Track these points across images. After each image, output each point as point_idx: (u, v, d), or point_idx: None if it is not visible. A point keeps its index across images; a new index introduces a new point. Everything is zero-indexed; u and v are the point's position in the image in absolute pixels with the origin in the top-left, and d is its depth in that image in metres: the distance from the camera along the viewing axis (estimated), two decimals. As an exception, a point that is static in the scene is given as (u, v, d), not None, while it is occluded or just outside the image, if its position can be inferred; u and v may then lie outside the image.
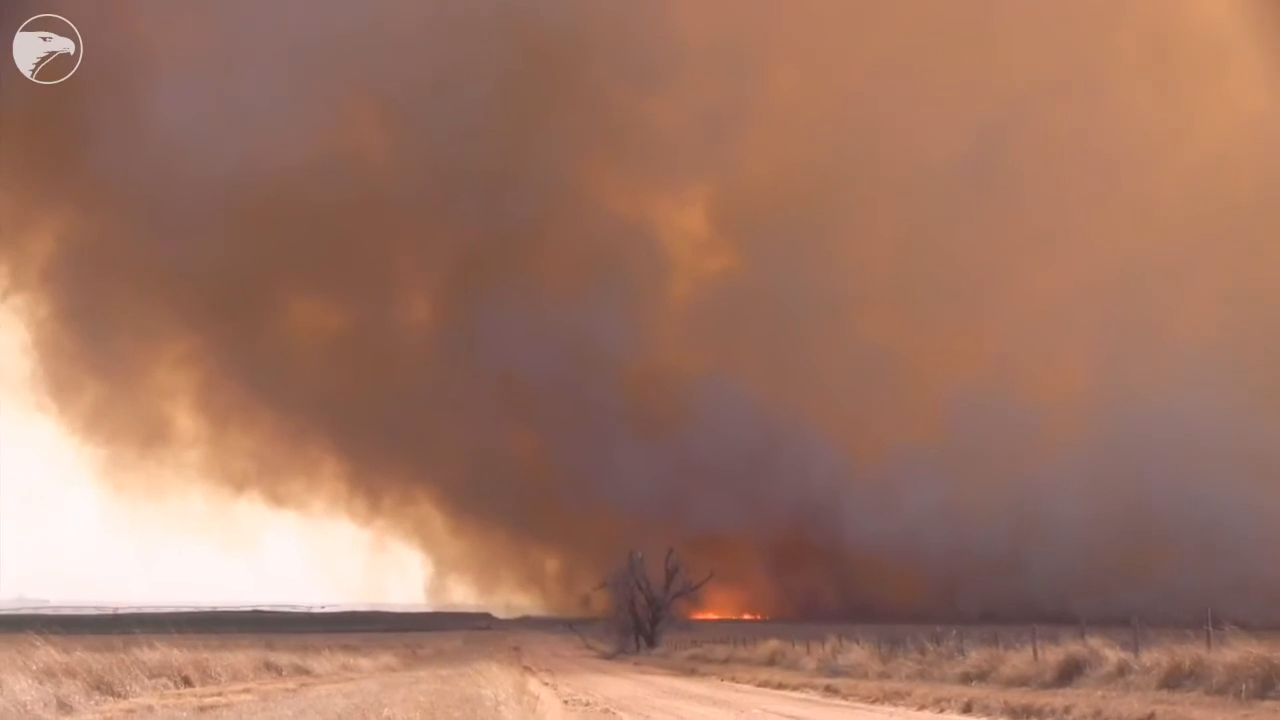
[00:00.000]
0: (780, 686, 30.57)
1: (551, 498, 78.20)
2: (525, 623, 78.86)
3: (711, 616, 65.75)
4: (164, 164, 74.44)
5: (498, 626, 76.22)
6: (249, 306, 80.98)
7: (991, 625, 37.86)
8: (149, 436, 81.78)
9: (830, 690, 28.97)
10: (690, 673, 37.68)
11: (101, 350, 79.91)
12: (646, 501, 74.03)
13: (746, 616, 73.43)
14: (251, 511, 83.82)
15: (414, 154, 76.99)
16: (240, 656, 32.53)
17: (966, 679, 28.97)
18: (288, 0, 74.83)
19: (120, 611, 79.59)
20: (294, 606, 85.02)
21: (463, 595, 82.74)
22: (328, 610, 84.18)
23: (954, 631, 33.64)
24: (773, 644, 40.27)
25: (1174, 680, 23.68)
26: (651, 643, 55.76)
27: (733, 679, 33.76)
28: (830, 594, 74.84)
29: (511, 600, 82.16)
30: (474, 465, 79.16)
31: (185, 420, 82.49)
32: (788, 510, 72.86)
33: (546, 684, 30.96)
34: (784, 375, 75.68)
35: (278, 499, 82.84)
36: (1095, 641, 26.69)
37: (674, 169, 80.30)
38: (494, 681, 28.17)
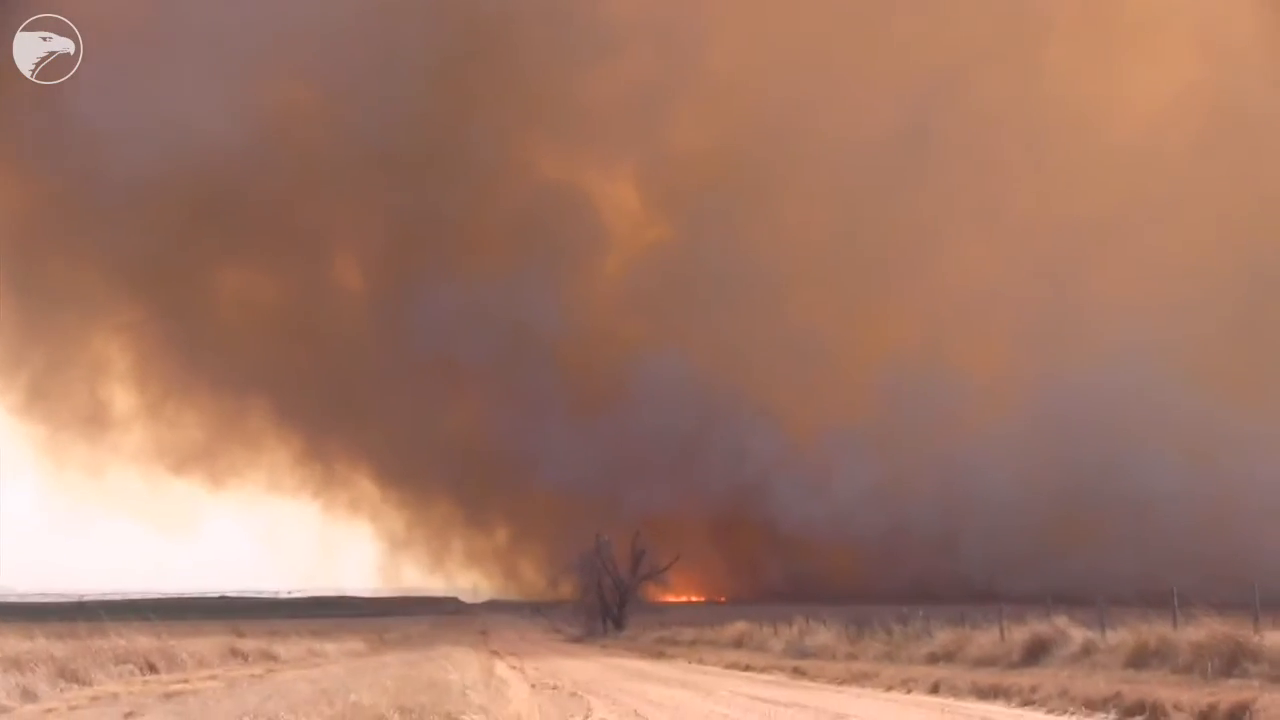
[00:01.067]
0: (748, 668, 30.70)
1: (492, 475, 78.49)
2: (492, 606, 79.01)
3: (678, 599, 65.96)
4: (92, 148, 73.82)
5: (465, 611, 76.33)
6: (183, 281, 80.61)
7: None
8: (87, 417, 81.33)
9: (798, 672, 29.11)
10: (658, 655, 37.76)
11: (38, 326, 79.83)
12: (584, 481, 74.19)
13: (711, 599, 73.45)
14: (198, 493, 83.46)
15: (346, 137, 76.66)
16: (206, 643, 32.39)
17: (934, 659, 29.29)
18: None
19: (86, 599, 79.13)
20: (260, 592, 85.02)
21: (425, 578, 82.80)
22: (295, 595, 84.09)
23: (921, 612, 33.84)
24: (740, 626, 40.42)
25: (1140, 660, 24.02)
26: (619, 626, 55.91)
27: (700, 661, 33.81)
28: (773, 573, 75.05)
29: (479, 584, 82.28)
30: (413, 442, 79.31)
31: (123, 398, 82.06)
32: (723, 493, 72.86)
33: (514, 668, 31.01)
34: (719, 352, 75.45)
35: (224, 478, 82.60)
36: (1061, 621, 26.88)
37: (607, 144, 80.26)
38: (461, 666, 28.22)
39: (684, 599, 69.73)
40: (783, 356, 74.76)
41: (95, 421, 79.20)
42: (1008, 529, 68.81)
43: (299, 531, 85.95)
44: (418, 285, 77.02)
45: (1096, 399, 69.47)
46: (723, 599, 73.31)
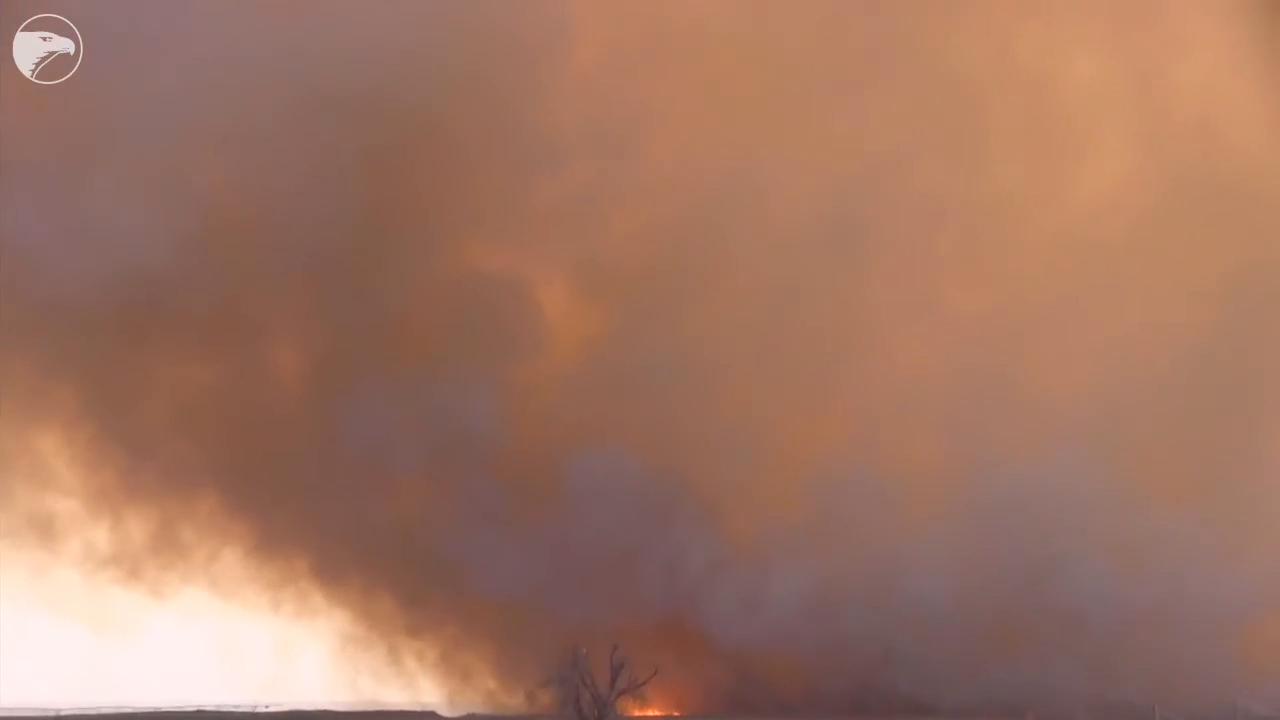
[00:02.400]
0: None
1: (432, 577, 77.99)
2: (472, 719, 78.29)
3: (654, 712, 65.91)
4: (13, 260, 73.00)
5: None
6: (117, 377, 79.76)
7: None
8: (36, 526, 80.00)
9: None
10: None
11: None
12: (525, 588, 74.14)
13: (690, 713, 73.28)
14: (143, 599, 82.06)
15: (280, 239, 76.05)
16: None
17: None
18: (141, 89, 73.74)
19: (63, 714, 77.32)
20: (237, 706, 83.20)
21: (394, 688, 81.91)
22: (272, 710, 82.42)
23: None
24: None
25: None
26: None
27: None
28: (721, 685, 74.96)
29: (454, 696, 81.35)
30: (350, 538, 78.80)
31: (68, 505, 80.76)
32: (660, 602, 72.98)
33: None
34: (657, 449, 75.13)
35: (169, 582, 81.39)
36: None
37: (544, 241, 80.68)
38: None
39: (662, 713, 69.68)
40: (719, 453, 74.42)
41: (40, 529, 77.97)
42: (944, 637, 69.03)
43: (252, 636, 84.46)
44: (353, 384, 76.81)
45: (1029, 497, 69.69)
46: (682, 711, 73.11)
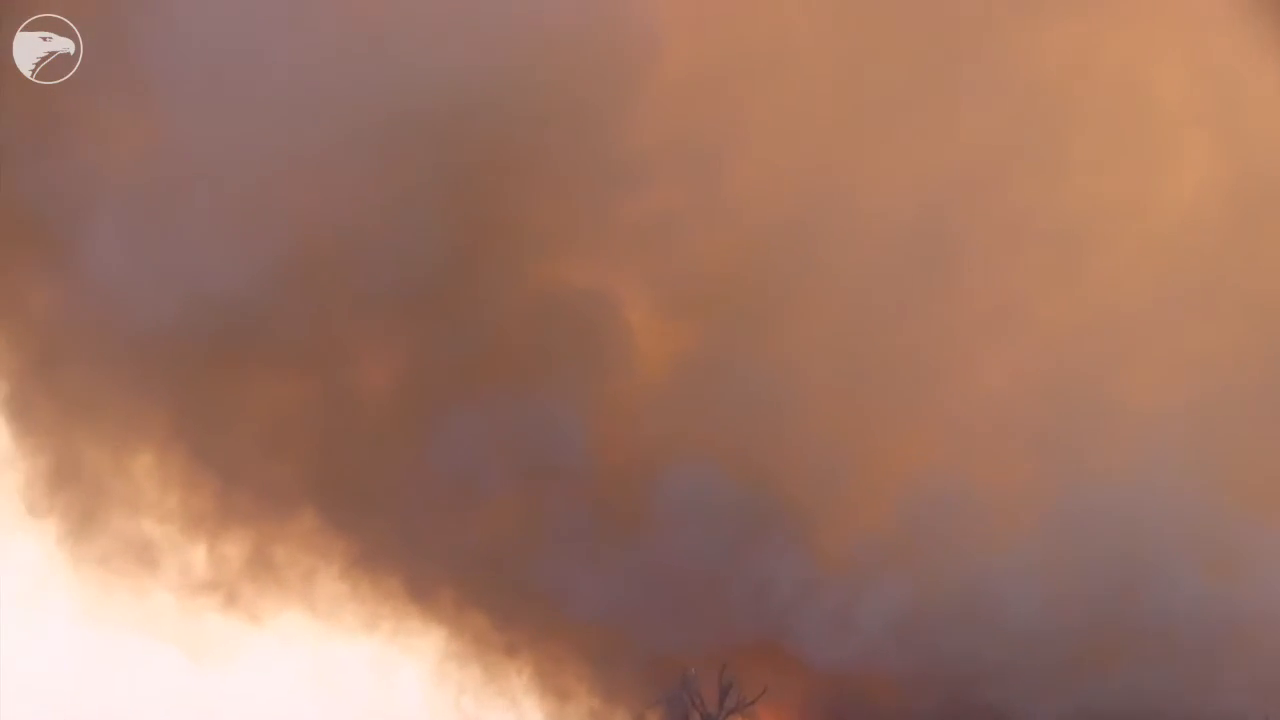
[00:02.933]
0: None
1: (520, 600, 78.49)
2: None
3: None
4: (102, 305, 74.53)
5: None
6: (208, 404, 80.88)
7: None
8: (135, 558, 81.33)
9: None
10: None
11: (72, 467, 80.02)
12: (611, 611, 74.53)
13: None
14: (241, 626, 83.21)
15: (368, 268, 76.25)
16: None
17: None
18: (225, 119, 74.07)
19: None
20: None
21: (493, 710, 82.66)
22: None
23: None
24: None
25: None
26: None
27: None
28: (803, 706, 74.92)
29: (555, 717, 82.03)
30: (439, 557, 79.43)
31: (169, 536, 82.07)
32: (750, 628, 72.77)
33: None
34: (746, 468, 75.14)
35: (270, 604, 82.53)
36: None
37: (632, 261, 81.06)
38: None
39: None
40: (809, 470, 74.45)
41: (140, 559, 79.29)
42: (1035, 651, 69.04)
43: (349, 656, 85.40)
44: (443, 404, 77.35)
45: (1122, 510, 69.84)
46: None
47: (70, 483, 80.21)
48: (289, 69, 74.62)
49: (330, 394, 79.87)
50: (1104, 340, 75.49)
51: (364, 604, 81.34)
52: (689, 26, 79.35)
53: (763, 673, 62.95)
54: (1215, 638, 67.31)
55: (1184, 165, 78.75)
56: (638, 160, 76.45)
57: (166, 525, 79.89)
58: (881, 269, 76.37)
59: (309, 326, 75.76)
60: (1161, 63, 79.68)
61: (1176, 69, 79.40)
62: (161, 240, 73.83)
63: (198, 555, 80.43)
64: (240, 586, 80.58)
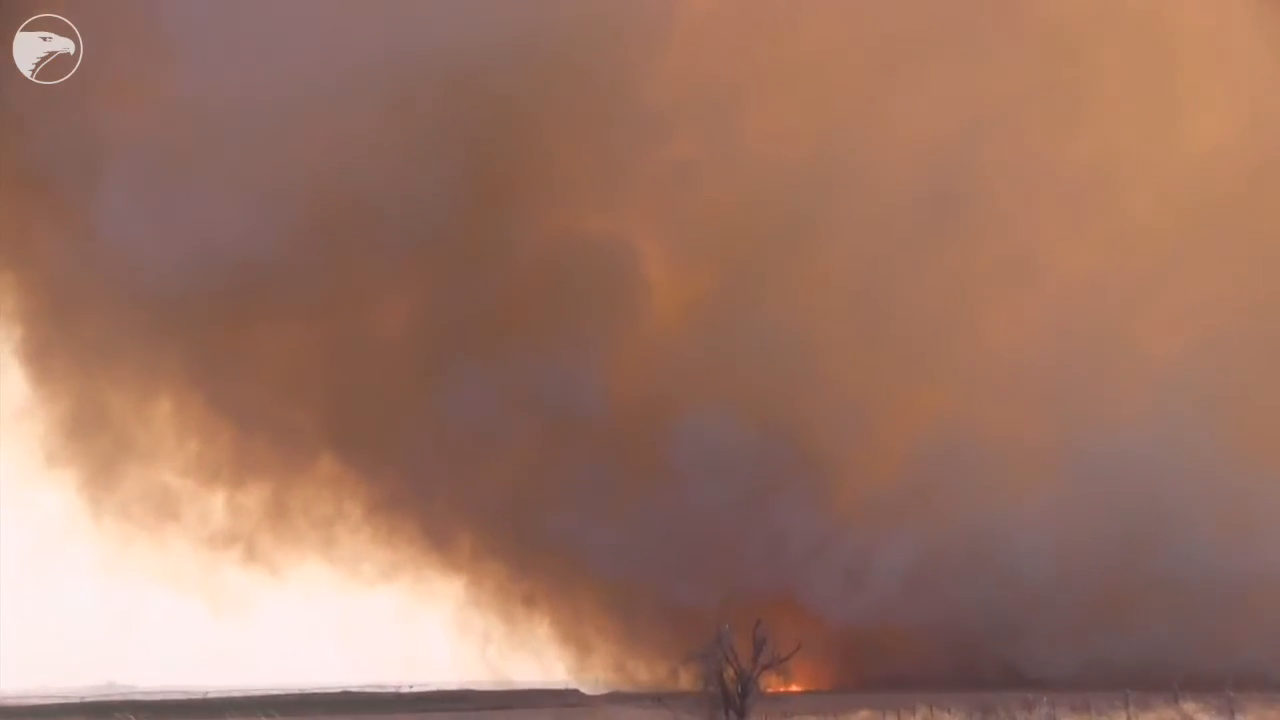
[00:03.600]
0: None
1: (537, 550, 79.44)
2: (614, 698, 79.50)
3: (796, 688, 66.81)
4: (122, 271, 75.49)
5: (587, 703, 76.84)
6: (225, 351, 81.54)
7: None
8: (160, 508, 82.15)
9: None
10: None
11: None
12: (627, 565, 75.18)
13: (831, 687, 74.19)
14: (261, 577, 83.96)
15: (383, 224, 77.14)
16: None
17: None
18: (238, 85, 74.71)
19: (210, 695, 79.61)
20: (382, 687, 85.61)
21: (537, 668, 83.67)
22: (415, 690, 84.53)
23: (1045, 699, 34.76)
24: (863, 715, 41.39)
25: None
26: (741, 715, 56.41)
27: None
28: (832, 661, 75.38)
29: (599, 676, 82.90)
30: (456, 507, 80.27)
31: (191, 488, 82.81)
32: (764, 583, 72.45)
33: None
34: (759, 419, 75.24)
35: (287, 548, 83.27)
36: (1189, 707, 27.77)
37: (646, 214, 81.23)
38: None
39: (804, 688, 70.65)
40: (821, 422, 74.63)
41: (162, 511, 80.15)
42: (1048, 606, 69.13)
43: (371, 606, 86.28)
44: (457, 353, 78.03)
45: (1134, 463, 69.32)
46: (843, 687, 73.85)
47: (89, 430, 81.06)
48: (303, 34, 74.95)
49: (347, 343, 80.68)
50: (1117, 291, 75.55)
51: (382, 551, 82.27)
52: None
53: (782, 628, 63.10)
54: (1229, 589, 66.71)
55: (1198, 117, 78.57)
56: (653, 117, 76.87)
57: (186, 478, 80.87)
58: (894, 221, 76.41)
59: (326, 277, 76.23)
60: (1178, 17, 79.43)
61: (1193, 23, 79.16)
62: (175, 197, 74.41)
63: (216, 504, 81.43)
64: (259, 537, 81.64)
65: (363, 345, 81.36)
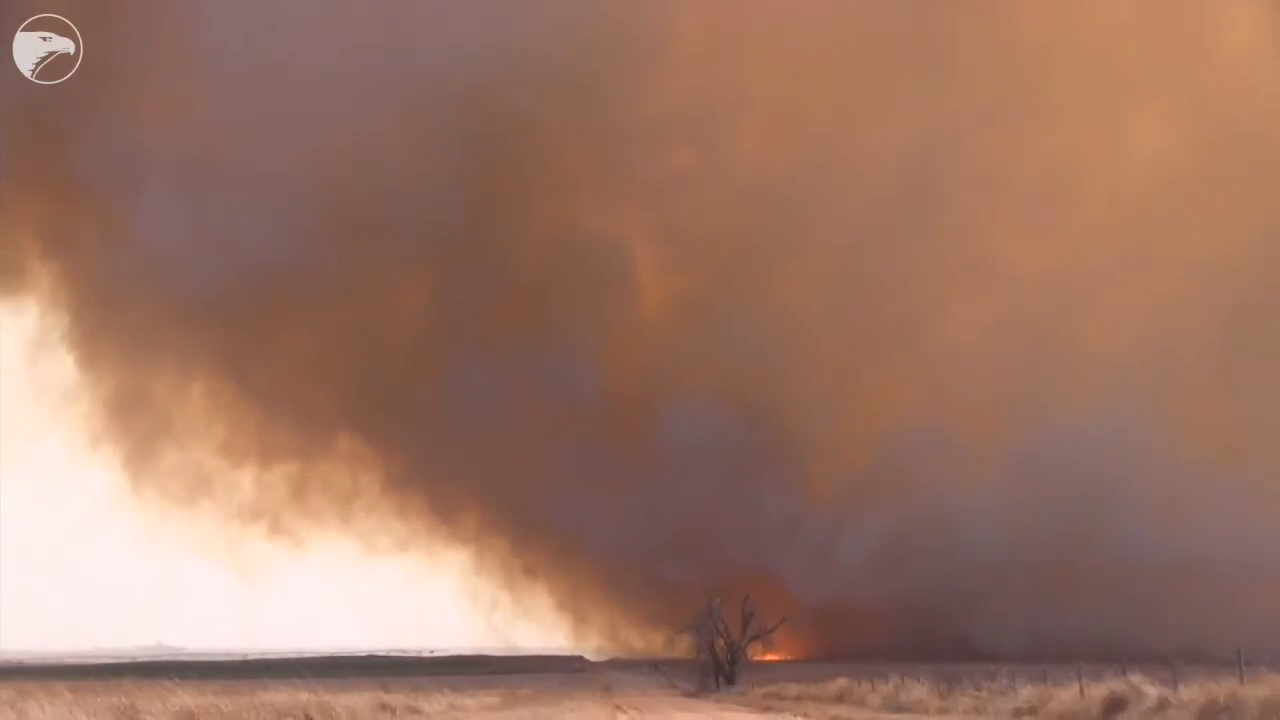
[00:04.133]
0: None
1: (536, 528, 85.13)
2: (615, 664, 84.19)
3: (776, 657, 71.75)
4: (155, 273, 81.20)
5: (590, 669, 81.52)
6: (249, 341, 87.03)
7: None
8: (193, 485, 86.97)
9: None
10: (766, 708, 41.99)
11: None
12: (618, 544, 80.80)
13: (808, 658, 78.33)
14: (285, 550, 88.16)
15: (394, 234, 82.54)
16: (358, 698, 36.52)
17: (1019, 714, 32.25)
18: (263, 97, 79.99)
19: (249, 658, 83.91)
20: (405, 651, 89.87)
21: (545, 637, 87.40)
22: (436, 655, 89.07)
23: (1005, 670, 38.78)
24: (841, 682, 45.65)
25: (1210, 715, 26.58)
26: (731, 681, 61.67)
27: (805, 714, 37.60)
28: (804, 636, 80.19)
29: (601, 645, 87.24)
30: (463, 485, 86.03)
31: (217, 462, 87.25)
32: (741, 565, 76.22)
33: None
34: (743, 411, 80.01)
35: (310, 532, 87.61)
36: (1136, 678, 31.79)
37: (640, 213, 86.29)
38: (587, 716, 33.33)
39: (786, 658, 76.19)
40: (800, 414, 79.69)
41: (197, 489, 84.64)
42: (1000, 585, 73.44)
43: (383, 575, 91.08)
44: (461, 355, 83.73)
45: (1081, 450, 73.48)
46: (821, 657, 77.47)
47: (131, 411, 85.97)
48: (322, 45, 79.73)
49: (364, 335, 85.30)
50: (1070, 288, 79.91)
51: (396, 524, 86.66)
52: (695, 6, 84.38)
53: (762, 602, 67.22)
54: (1166, 575, 70.69)
55: (1150, 126, 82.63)
56: (649, 125, 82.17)
57: (218, 457, 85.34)
58: (866, 222, 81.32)
59: (344, 275, 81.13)
60: (1132, 24, 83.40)
61: (1146, 30, 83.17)
62: (207, 202, 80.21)
63: (245, 481, 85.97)
64: (283, 512, 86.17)
65: (378, 337, 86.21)
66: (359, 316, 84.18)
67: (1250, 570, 69.84)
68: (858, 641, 75.84)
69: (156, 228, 78.75)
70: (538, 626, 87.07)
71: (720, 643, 62.52)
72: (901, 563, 75.30)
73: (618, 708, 41.15)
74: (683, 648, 66.02)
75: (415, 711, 38.60)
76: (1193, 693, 27.97)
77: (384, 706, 37.78)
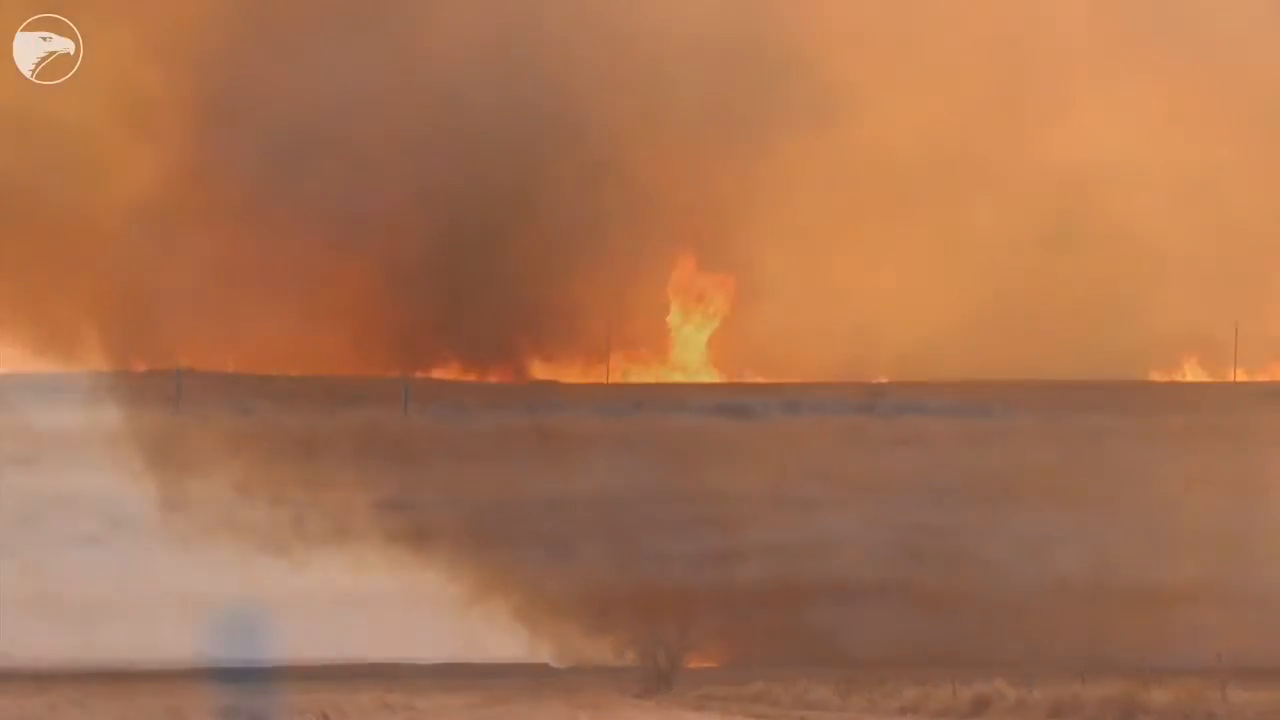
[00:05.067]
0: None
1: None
2: (578, 669, 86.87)
3: (710, 664, 75.24)
4: None
5: (554, 674, 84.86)
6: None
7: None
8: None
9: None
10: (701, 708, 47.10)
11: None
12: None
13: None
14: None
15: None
16: None
17: (904, 712, 37.64)
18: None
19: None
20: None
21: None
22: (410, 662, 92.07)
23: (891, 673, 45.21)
24: (758, 685, 50.00)
25: (1058, 712, 32.45)
26: (670, 686, 66.04)
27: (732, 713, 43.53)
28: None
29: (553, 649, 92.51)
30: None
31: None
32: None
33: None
34: None
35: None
36: (999, 683, 38.27)
37: None
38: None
39: (717, 664, 76.11)
40: None
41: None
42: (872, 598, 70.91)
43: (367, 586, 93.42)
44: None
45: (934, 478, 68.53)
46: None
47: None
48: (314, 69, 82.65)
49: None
50: None
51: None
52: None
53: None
54: (1020, 593, 68.55)
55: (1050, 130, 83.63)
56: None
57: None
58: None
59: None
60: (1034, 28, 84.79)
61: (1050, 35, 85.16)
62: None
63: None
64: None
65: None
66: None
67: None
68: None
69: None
70: (499, 635, 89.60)
71: (661, 652, 68.07)
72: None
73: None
74: (632, 656, 71.15)
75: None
76: (1044, 692, 34.65)
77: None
